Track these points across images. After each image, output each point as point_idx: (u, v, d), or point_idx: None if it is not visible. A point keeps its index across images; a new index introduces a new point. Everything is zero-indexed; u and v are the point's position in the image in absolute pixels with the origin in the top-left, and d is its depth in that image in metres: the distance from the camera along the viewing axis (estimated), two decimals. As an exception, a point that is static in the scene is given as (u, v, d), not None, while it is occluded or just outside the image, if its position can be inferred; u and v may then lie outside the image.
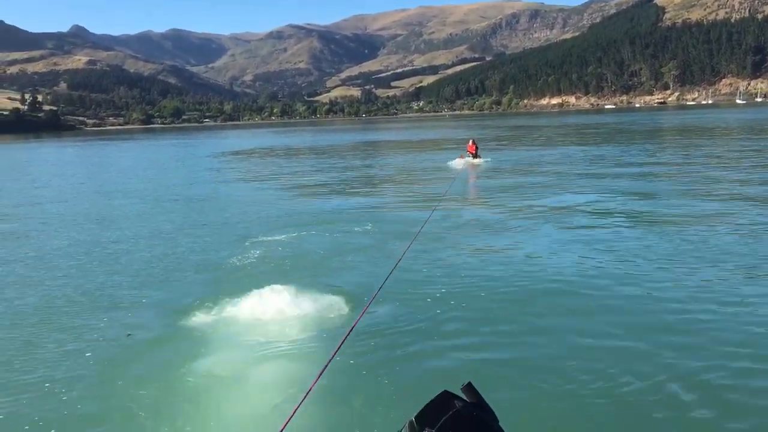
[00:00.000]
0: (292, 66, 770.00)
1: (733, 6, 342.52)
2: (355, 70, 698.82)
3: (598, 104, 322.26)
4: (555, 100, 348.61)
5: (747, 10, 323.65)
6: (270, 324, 8.18)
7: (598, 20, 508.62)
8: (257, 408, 6.23)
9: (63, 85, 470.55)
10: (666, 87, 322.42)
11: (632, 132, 62.07)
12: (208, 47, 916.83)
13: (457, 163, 32.05)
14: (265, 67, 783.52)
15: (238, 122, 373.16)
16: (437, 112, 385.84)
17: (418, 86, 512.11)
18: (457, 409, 1.26)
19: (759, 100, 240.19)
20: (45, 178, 39.80)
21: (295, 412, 2.18)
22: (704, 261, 10.84)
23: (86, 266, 12.81)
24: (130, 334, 8.38)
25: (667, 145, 44.17)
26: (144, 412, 6.21)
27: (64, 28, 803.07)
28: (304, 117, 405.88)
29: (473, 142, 33.61)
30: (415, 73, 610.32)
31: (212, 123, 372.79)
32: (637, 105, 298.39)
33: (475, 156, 32.70)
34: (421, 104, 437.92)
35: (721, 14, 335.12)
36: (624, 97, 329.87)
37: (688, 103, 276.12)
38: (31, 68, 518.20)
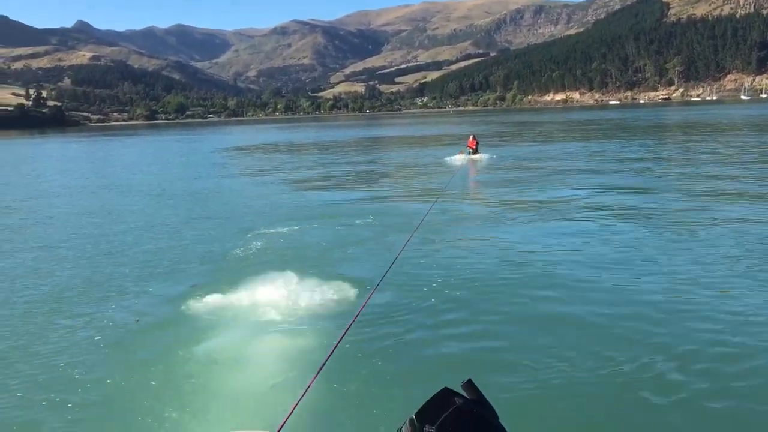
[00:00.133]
0: (296, 62, 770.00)
1: (738, 2, 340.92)
2: (359, 66, 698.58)
3: (602, 100, 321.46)
4: (559, 96, 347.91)
5: (752, 6, 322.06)
6: (273, 311, 8.46)
7: (602, 16, 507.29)
8: (260, 391, 6.43)
9: (67, 81, 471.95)
10: (670, 83, 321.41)
11: (634, 128, 62.18)
12: (212, 43, 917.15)
13: (457, 158, 32.07)
14: (269, 63, 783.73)
15: (242, 118, 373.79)
16: (441, 108, 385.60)
17: (422, 82, 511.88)
18: (458, 405, 1.26)
19: (764, 96, 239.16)
20: (51, 173, 40.21)
21: (294, 409, 2.19)
22: (697, 254, 11.11)
23: (94, 257, 13.17)
24: (138, 320, 8.69)
25: (668, 142, 44.35)
26: (151, 394, 6.45)
27: (69, 24, 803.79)
28: (308, 113, 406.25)
29: (474, 138, 33.78)
30: (419, 68, 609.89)
31: (216, 119, 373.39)
32: (642, 101, 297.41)
33: (475, 151, 32.86)
34: (425, 100, 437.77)
35: (726, 10, 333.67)
36: (628, 93, 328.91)
37: (692, 99, 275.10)
38: (35, 64, 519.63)
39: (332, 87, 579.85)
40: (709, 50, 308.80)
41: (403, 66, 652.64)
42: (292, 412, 2.19)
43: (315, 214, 17.33)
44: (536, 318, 8.24)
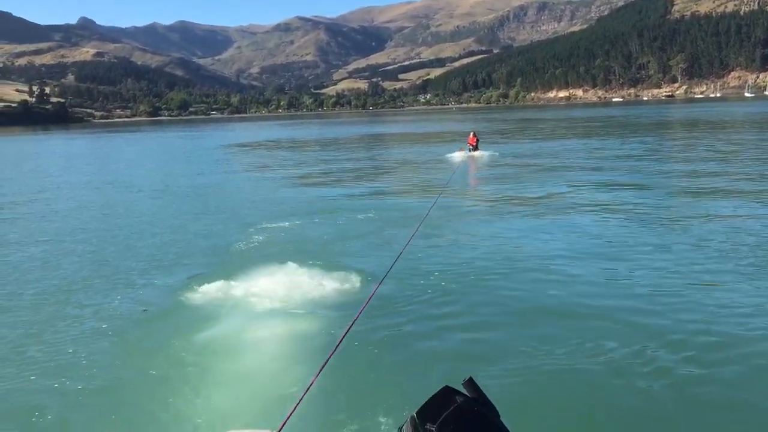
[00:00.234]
0: (299, 58, 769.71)
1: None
2: (362, 63, 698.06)
3: (605, 97, 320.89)
4: (562, 93, 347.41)
5: (756, 3, 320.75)
6: (276, 303, 8.72)
7: (606, 13, 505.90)
8: (263, 379, 6.63)
9: (71, 77, 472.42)
10: (674, 80, 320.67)
11: (636, 125, 62.28)
12: (215, 39, 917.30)
13: (457, 155, 32.15)
14: (272, 60, 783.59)
15: (245, 115, 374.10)
16: (444, 104, 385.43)
17: (425, 79, 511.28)
18: (458, 404, 1.26)
19: (767, 93, 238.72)
20: (55, 169, 40.53)
21: (295, 408, 2.21)
22: (690, 248, 11.35)
23: (101, 251, 13.48)
24: (145, 310, 8.98)
25: (668, 139, 44.48)
26: (156, 381, 6.68)
27: (72, 20, 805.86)
28: (311, 109, 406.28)
29: (474, 135, 33.90)
30: (422, 65, 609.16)
31: (219, 115, 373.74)
32: (645, 98, 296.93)
33: (476, 148, 32.98)
34: (428, 97, 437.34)
35: (730, 6, 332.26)
36: (632, 90, 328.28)
37: (696, 96, 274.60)
38: (38, 60, 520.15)
39: (335, 84, 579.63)
40: (713, 47, 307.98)
41: (406, 63, 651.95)
42: (293, 411, 2.19)
43: (317, 210, 17.60)
44: (537, 312, 8.34)
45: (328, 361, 2.46)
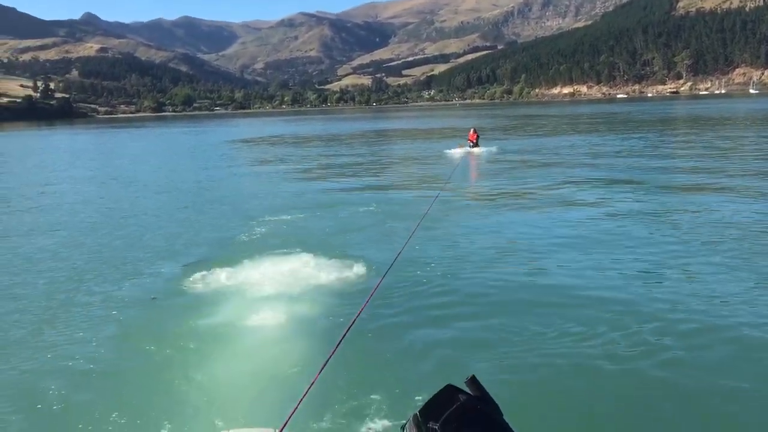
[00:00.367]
0: (303, 54, 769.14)
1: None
2: (366, 59, 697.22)
3: (609, 94, 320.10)
4: (566, 90, 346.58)
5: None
6: (279, 290, 9.08)
7: (610, 9, 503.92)
8: (265, 366, 6.86)
9: (75, 73, 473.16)
10: (679, 76, 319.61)
11: (638, 122, 62.41)
12: (219, 35, 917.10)
13: (457, 151, 32.20)
14: (276, 55, 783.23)
15: (248, 110, 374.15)
16: (448, 100, 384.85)
17: (429, 75, 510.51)
18: (461, 402, 1.26)
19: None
20: (61, 164, 40.96)
21: (298, 406, 2.19)
22: (685, 243, 11.67)
23: (110, 242, 13.95)
24: (154, 298, 9.36)
25: (669, 136, 44.62)
26: (162, 366, 6.96)
27: (76, 16, 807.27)
28: (315, 105, 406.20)
29: (474, 131, 34.05)
30: (426, 61, 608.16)
31: (223, 111, 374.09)
32: (650, 94, 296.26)
33: (476, 145, 33.13)
34: (432, 93, 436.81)
35: (736, 3, 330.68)
36: (636, 87, 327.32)
37: (700, 92, 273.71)
38: (43, 56, 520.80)
39: (339, 79, 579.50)
40: (717, 43, 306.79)
41: (410, 59, 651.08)
42: (296, 409, 2.18)
43: (319, 203, 18.03)
44: (538, 307, 8.39)
45: (329, 360, 2.47)
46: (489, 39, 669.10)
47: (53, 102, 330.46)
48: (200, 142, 63.33)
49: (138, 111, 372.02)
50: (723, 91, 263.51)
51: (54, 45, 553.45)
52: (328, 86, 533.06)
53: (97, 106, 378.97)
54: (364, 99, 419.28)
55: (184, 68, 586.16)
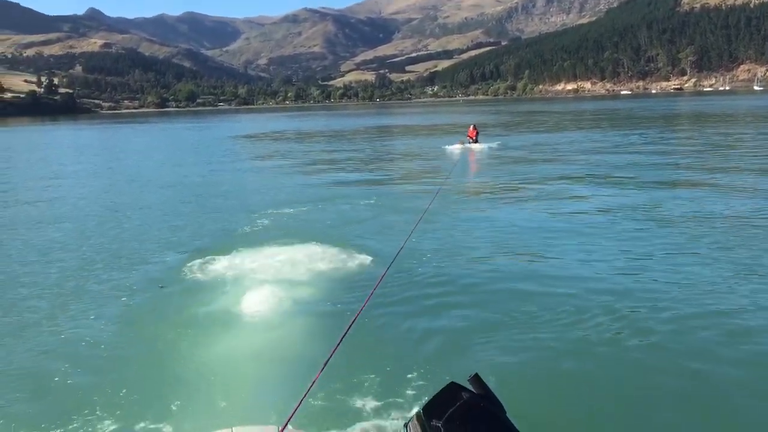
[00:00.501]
0: (306, 50, 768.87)
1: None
2: (369, 55, 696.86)
3: (613, 90, 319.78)
4: (570, 86, 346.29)
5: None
6: (282, 277, 9.39)
7: (615, 5, 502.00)
8: (266, 353, 7.09)
9: (79, 68, 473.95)
10: (683, 73, 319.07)
11: (640, 118, 62.56)
12: (223, 30, 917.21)
13: (456, 148, 32.27)
14: (280, 51, 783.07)
15: (252, 106, 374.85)
16: (451, 97, 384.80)
17: (432, 71, 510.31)
18: (465, 400, 1.26)
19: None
20: (66, 159, 41.38)
21: (300, 403, 2.20)
22: (678, 240, 11.90)
23: (119, 235, 14.29)
24: (162, 287, 9.68)
25: (670, 132, 44.78)
26: (169, 351, 7.20)
27: (80, 11, 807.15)
28: (318, 101, 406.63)
29: (474, 127, 34.19)
30: (429, 57, 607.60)
31: (227, 107, 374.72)
32: (654, 91, 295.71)
33: (475, 141, 33.25)
34: (435, 89, 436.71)
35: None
36: (640, 83, 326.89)
37: (704, 89, 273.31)
38: (47, 51, 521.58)
39: (342, 75, 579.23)
40: (722, 40, 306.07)
41: (413, 54, 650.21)
42: (298, 406, 2.18)
43: (320, 198, 18.34)
44: (539, 301, 8.35)
45: (330, 357, 2.46)
46: (493, 35, 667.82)
47: (57, 97, 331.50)
48: (204, 137, 63.68)
49: (141, 106, 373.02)
50: (727, 88, 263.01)
51: (58, 40, 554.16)
52: (331, 82, 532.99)
53: (100, 102, 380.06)
54: (368, 95, 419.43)
55: (187, 64, 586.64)
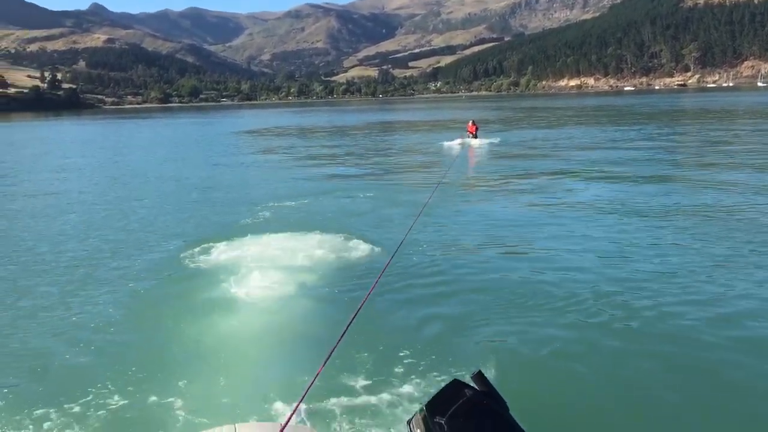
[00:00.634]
0: (309, 45, 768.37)
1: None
2: (372, 50, 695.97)
3: (617, 86, 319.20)
4: (573, 82, 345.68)
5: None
6: (285, 265, 9.76)
7: (618, 0, 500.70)
8: (268, 339, 7.32)
9: (82, 63, 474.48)
10: (686, 69, 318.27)
11: (642, 114, 62.71)
12: (226, 26, 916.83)
13: (456, 143, 32.37)
14: (283, 47, 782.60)
15: (255, 102, 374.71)
16: (454, 92, 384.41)
17: (435, 67, 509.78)
18: (468, 397, 1.26)
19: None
20: (72, 153, 41.73)
21: (301, 400, 2.19)
22: (676, 235, 12.22)
23: (126, 226, 14.75)
24: (170, 274, 10.11)
25: (670, 128, 44.96)
26: (177, 335, 7.47)
27: (83, 6, 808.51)
28: (321, 97, 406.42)
29: (473, 123, 34.33)
30: (432, 53, 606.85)
31: (229, 102, 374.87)
32: (657, 87, 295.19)
33: (475, 136, 33.43)
34: (438, 85, 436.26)
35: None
36: (644, 79, 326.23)
37: (708, 85, 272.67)
38: (50, 46, 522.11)
39: (345, 71, 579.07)
40: (726, 36, 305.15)
41: (416, 50, 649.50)
42: (299, 403, 2.17)
43: (321, 191, 18.77)
44: (538, 298, 8.38)
45: (331, 354, 2.44)
46: (496, 31, 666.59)
47: (60, 92, 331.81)
48: (207, 132, 64.05)
49: (145, 102, 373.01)
50: (731, 84, 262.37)
51: (61, 35, 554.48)
52: (334, 78, 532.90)
53: (104, 97, 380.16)
54: (371, 91, 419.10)
55: (190, 59, 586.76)
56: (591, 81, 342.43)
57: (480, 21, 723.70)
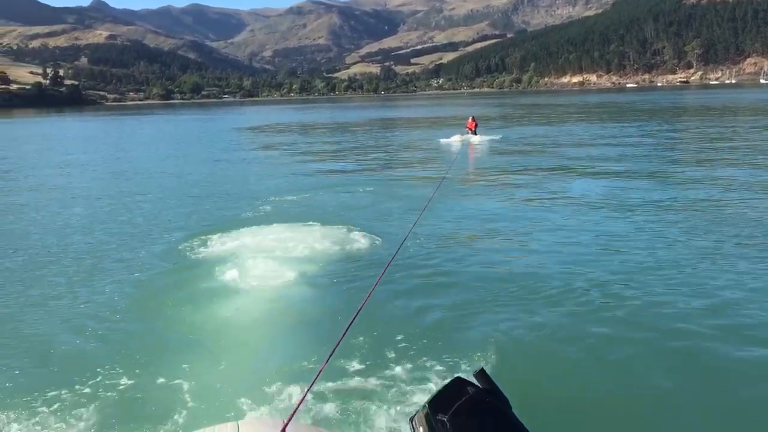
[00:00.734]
0: (311, 42, 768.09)
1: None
2: (374, 47, 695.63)
3: (619, 83, 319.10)
4: (576, 79, 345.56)
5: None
6: (287, 255, 10.04)
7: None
8: (269, 327, 7.55)
9: (84, 60, 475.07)
10: (689, 66, 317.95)
11: (643, 111, 62.84)
12: (228, 22, 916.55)
13: (455, 140, 32.41)
14: (285, 43, 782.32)
15: (257, 98, 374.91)
16: (456, 89, 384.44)
17: (437, 63, 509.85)
18: (471, 395, 1.26)
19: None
20: (75, 149, 42.05)
21: (304, 396, 2.21)
22: (673, 231, 12.49)
23: (130, 219, 15.05)
24: (176, 264, 10.41)
25: (671, 124, 45.12)
26: (182, 322, 7.76)
27: (85, 3, 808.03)
28: (323, 93, 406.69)
29: (473, 119, 34.43)
30: (435, 49, 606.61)
31: (231, 99, 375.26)
32: (659, 84, 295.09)
33: (474, 133, 33.57)
34: (440, 81, 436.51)
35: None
36: (646, 76, 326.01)
37: (711, 82, 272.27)
38: (52, 43, 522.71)
39: (347, 68, 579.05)
40: (729, 33, 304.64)
41: (418, 47, 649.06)
42: (302, 400, 2.16)
43: (321, 186, 19.08)
44: (538, 293, 8.39)
45: (333, 351, 2.40)
46: (498, 27, 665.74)
47: (62, 89, 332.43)
48: (209, 129, 64.34)
49: (147, 98, 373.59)
50: (733, 81, 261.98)
51: (63, 32, 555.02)
52: (336, 74, 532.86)
53: (106, 93, 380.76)
54: (373, 87, 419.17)
55: (192, 56, 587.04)
56: (593, 78, 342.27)
57: (482, 17, 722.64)
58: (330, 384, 5.55)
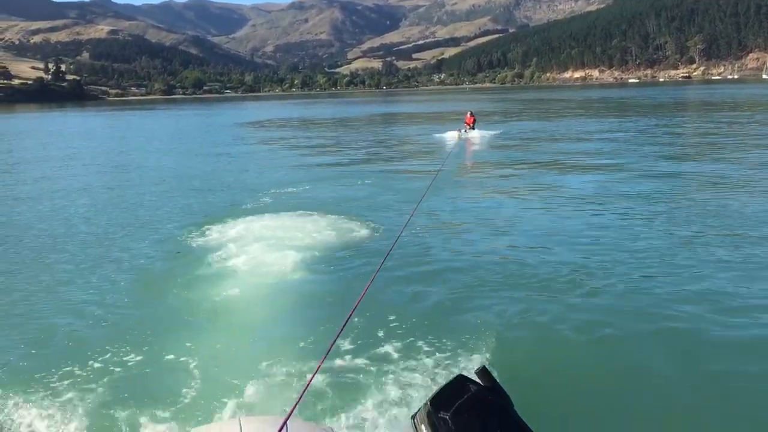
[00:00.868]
0: (313, 37, 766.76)
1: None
2: (376, 42, 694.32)
3: (621, 78, 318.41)
4: (578, 74, 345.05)
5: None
6: (287, 243, 10.36)
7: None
8: (269, 316, 7.79)
9: (86, 55, 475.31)
10: (691, 61, 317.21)
11: (644, 106, 63.01)
12: (230, 17, 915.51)
13: (453, 135, 32.45)
14: (286, 38, 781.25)
15: (258, 93, 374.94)
16: (458, 84, 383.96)
17: (439, 58, 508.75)
18: (472, 393, 1.26)
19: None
20: (79, 143, 42.42)
21: (303, 393, 2.21)
22: (670, 228, 12.81)
23: (134, 210, 15.42)
24: (179, 252, 10.78)
25: (670, 120, 45.35)
26: (185, 308, 8.02)
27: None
28: (325, 89, 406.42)
29: (471, 114, 34.55)
30: (437, 45, 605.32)
31: (233, 94, 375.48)
32: (662, 79, 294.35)
33: (472, 128, 33.62)
34: (442, 76, 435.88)
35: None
36: (648, 71, 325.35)
37: (713, 77, 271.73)
38: (54, 38, 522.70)
39: (349, 63, 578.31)
40: (731, 28, 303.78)
41: (420, 42, 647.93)
42: (302, 396, 2.16)
43: (320, 178, 19.44)
44: (537, 291, 8.35)
45: (332, 347, 2.41)
46: (500, 22, 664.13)
47: (64, 84, 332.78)
48: (211, 124, 64.65)
49: (148, 93, 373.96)
50: (736, 76, 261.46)
51: (65, 27, 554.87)
52: (338, 70, 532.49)
53: (107, 89, 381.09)
54: (374, 82, 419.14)
55: (194, 51, 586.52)
56: (595, 73, 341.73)
57: (484, 12, 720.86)
58: (330, 379, 5.54)
